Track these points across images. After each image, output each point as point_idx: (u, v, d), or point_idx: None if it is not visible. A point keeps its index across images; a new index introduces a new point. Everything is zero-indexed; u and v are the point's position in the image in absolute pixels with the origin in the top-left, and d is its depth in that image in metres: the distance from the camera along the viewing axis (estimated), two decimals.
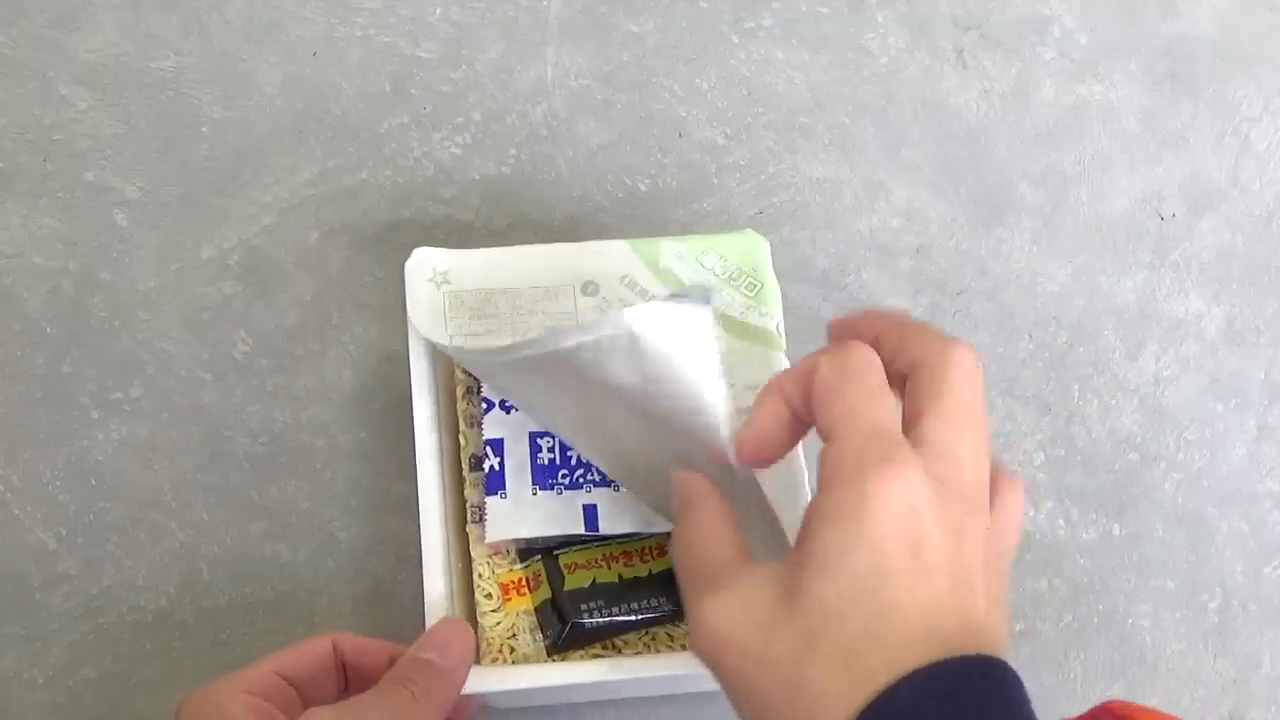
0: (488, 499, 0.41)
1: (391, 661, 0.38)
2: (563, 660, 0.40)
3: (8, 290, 0.51)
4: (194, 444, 0.49)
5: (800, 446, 0.37)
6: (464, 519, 0.42)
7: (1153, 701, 0.48)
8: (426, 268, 0.43)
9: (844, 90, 0.56)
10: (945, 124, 0.56)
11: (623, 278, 0.44)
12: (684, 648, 0.40)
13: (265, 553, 0.48)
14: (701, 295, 0.36)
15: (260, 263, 0.52)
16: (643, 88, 0.55)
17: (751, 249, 0.45)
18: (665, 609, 0.40)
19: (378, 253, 0.52)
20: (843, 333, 0.36)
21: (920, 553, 0.31)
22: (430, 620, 0.39)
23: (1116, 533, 0.50)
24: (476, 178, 0.53)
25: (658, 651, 0.41)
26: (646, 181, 0.54)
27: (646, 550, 0.42)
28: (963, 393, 0.34)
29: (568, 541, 0.41)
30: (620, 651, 0.40)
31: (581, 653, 0.40)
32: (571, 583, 0.41)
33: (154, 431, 0.49)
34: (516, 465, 0.41)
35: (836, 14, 0.57)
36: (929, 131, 0.55)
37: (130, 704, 0.46)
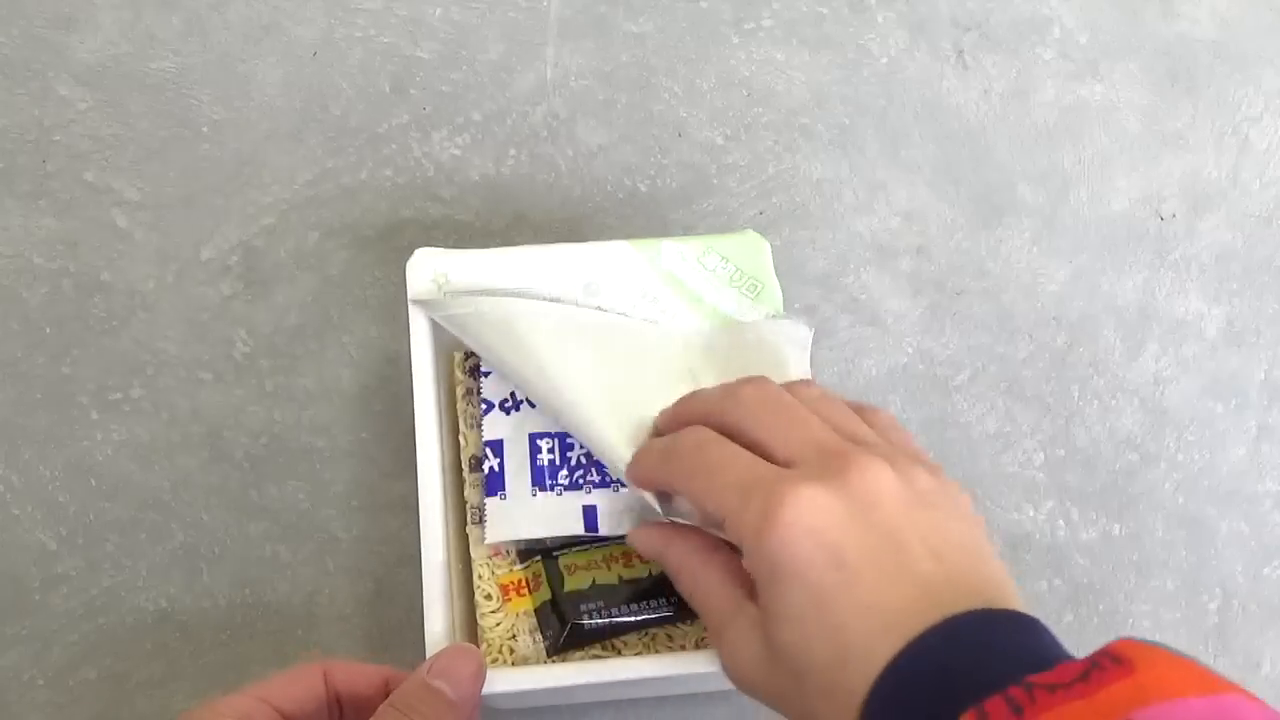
0: (487, 500, 0.41)
1: (387, 686, 0.36)
2: (562, 661, 0.40)
3: (8, 290, 0.51)
4: (194, 444, 0.49)
5: None
6: (464, 519, 0.42)
7: None
8: (428, 268, 0.43)
9: (844, 90, 0.56)
10: (945, 124, 0.56)
11: (623, 278, 0.44)
12: (684, 648, 0.40)
13: (265, 553, 0.48)
14: (805, 319, 0.43)
15: (260, 263, 0.52)
16: (643, 88, 0.55)
17: (752, 250, 0.45)
18: (665, 610, 0.40)
19: (378, 253, 0.52)
20: (667, 427, 0.39)
21: (843, 563, 0.32)
22: (428, 621, 0.39)
23: (1116, 533, 0.50)
24: (476, 178, 0.53)
25: (657, 652, 0.41)
26: (646, 182, 0.54)
27: None
28: (767, 402, 0.37)
29: (568, 543, 0.41)
30: (620, 652, 0.40)
31: (581, 653, 0.40)
32: (571, 584, 0.41)
33: (154, 431, 0.49)
34: (516, 466, 0.41)
35: (836, 14, 0.57)
36: (929, 131, 0.55)
37: (130, 704, 0.46)
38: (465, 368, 0.44)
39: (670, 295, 0.44)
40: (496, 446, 0.41)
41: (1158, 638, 0.49)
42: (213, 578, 0.47)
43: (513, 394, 0.42)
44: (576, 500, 0.41)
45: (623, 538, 0.41)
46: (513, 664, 0.40)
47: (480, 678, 0.37)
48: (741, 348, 0.42)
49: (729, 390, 0.38)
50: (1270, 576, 0.50)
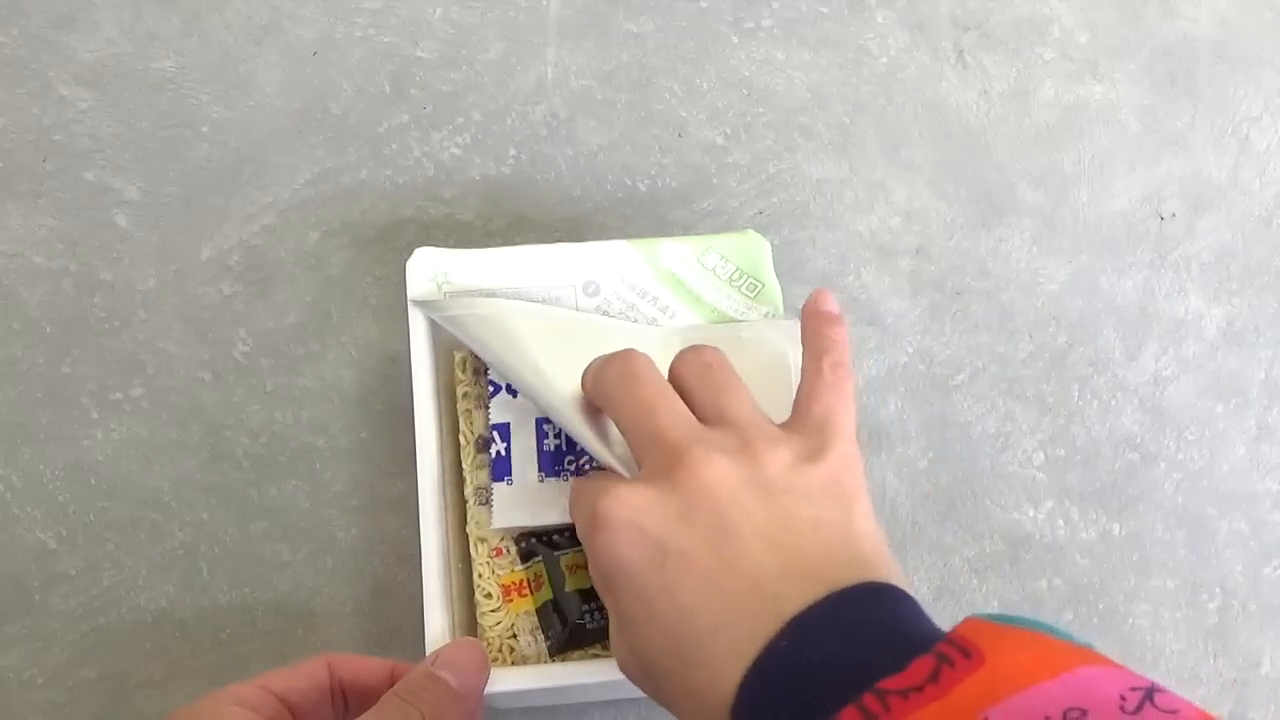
0: (494, 484, 0.41)
1: (393, 678, 0.36)
2: (563, 661, 0.40)
3: (8, 290, 0.51)
4: (194, 444, 0.49)
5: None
6: (464, 519, 0.42)
7: None
8: (427, 267, 0.43)
9: (844, 90, 0.56)
10: (945, 124, 0.56)
11: (623, 278, 0.44)
12: None
13: (265, 553, 0.48)
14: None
15: (260, 263, 0.52)
16: (643, 88, 0.55)
17: (752, 249, 0.45)
18: None
19: (378, 253, 0.52)
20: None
21: (664, 565, 0.32)
22: (428, 620, 0.39)
23: (1116, 533, 0.50)
24: (476, 178, 0.53)
25: None
26: (646, 181, 0.54)
27: None
28: (622, 387, 0.36)
29: (573, 542, 0.41)
30: None
31: (581, 653, 0.40)
32: (573, 584, 0.41)
33: (154, 431, 0.49)
34: (523, 451, 0.41)
35: (836, 14, 0.57)
36: (929, 131, 0.55)
37: (130, 704, 0.46)
38: (465, 367, 0.44)
39: (670, 295, 0.44)
40: (504, 430, 0.41)
41: (1157, 638, 0.49)
42: (213, 577, 0.47)
43: None
44: None
45: None
46: (513, 663, 0.40)
47: (484, 670, 0.37)
48: (739, 346, 0.42)
49: (597, 368, 0.37)
50: (1270, 576, 0.50)
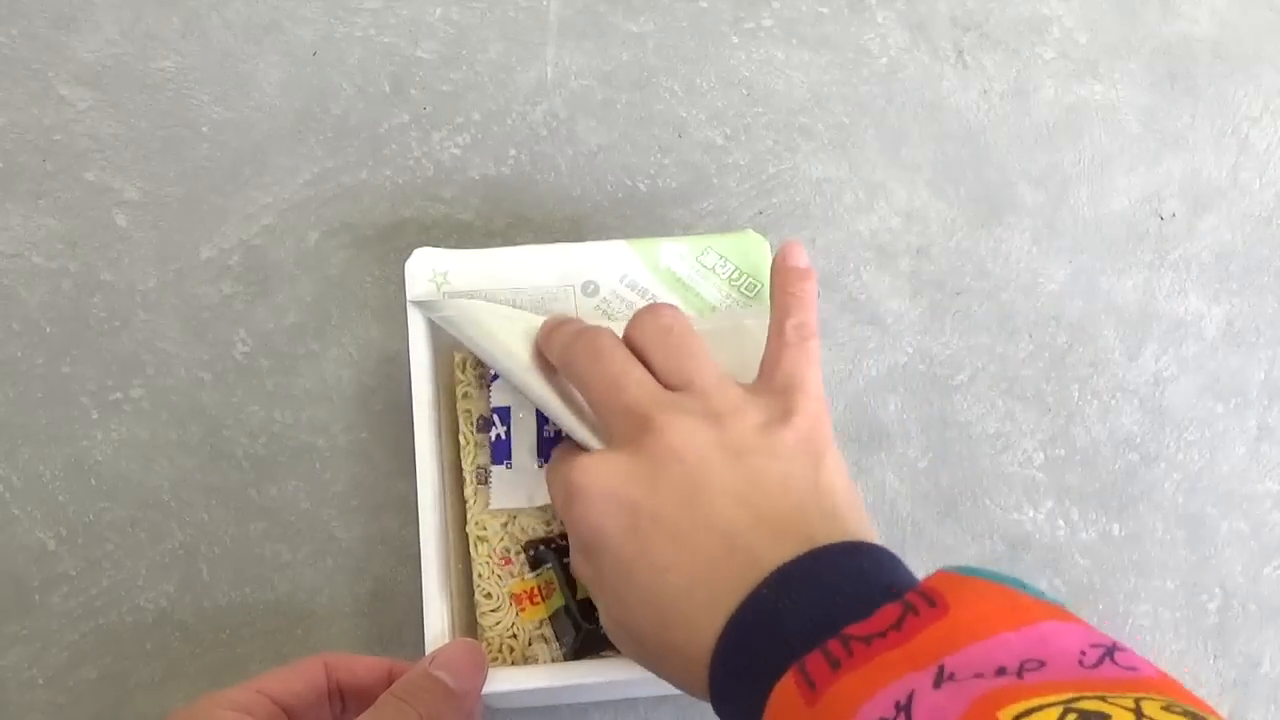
0: (493, 468, 0.41)
1: (391, 677, 0.36)
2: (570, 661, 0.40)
3: (8, 290, 0.51)
4: (194, 444, 0.49)
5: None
6: (464, 519, 0.42)
7: None
8: (427, 268, 0.43)
9: (844, 90, 0.56)
10: (945, 124, 0.56)
11: (623, 278, 0.44)
12: None
13: (265, 553, 0.48)
14: None
15: (260, 263, 0.52)
16: (643, 88, 0.55)
17: (751, 249, 0.45)
18: None
19: (378, 253, 0.52)
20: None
21: (637, 527, 0.32)
22: (428, 620, 0.39)
23: (1116, 533, 0.50)
24: (476, 178, 0.53)
25: None
26: (646, 181, 0.54)
27: None
28: (588, 357, 0.37)
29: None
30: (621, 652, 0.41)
31: (592, 656, 0.40)
32: (584, 589, 0.41)
33: (154, 431, 0.49)
34: (522, 436, 0.41)
35: (836, 14, 0.57)
36: (929, 131, 0.55)
37: (130, 704, 0.46)
38: (466, 367, 0.44)
39: (669, 295, 0.44)
40: (504, 413, 0.42)
41: (1157, 638, 0.49)
42: (212, 577, 0.48)
43: None
44: None
45: None
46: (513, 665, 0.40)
47: (482, 671, 0.37)
48: (735, 335, 0.42)
49: (564, 342, 0.38)
50: (1270, 576, 0.50)
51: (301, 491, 0.49)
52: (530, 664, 0.40)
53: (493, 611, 0.41)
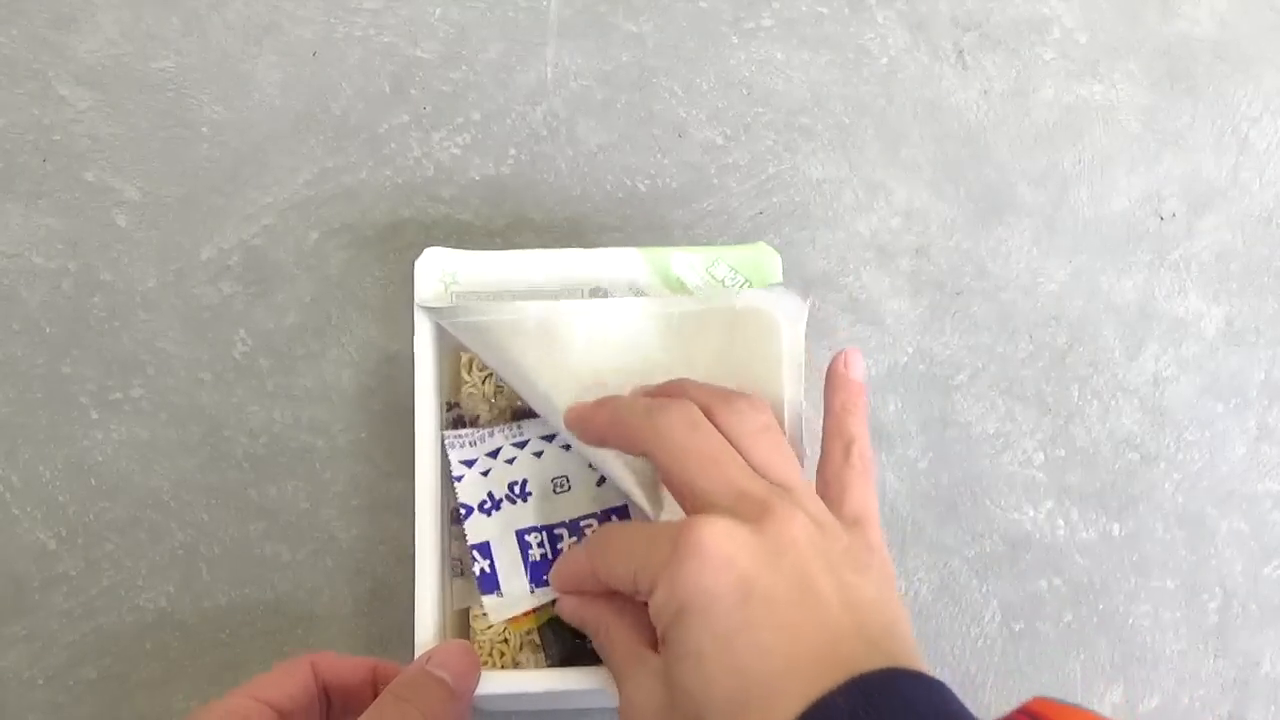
0: (484, 598, 0.40)
1: (375, 676, 0.36)
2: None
3: (8, 290, 0.51)
4: (194, 444, 0.49)
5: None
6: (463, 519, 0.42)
7: (1153, 702, 0.48)
8: (436, 268, 0.43)
9: (844, 90, 0.56)
10: (945, 124, 0.56)
11: (631, 285, 0.43)
12: None
13: (265, 553, 0.48)
14: (800, 290, 0.41)
15: (260, 263, 0.52)
16: (643, 88, 0.55)
17: (763, 262, 0.44)
18: None
19: (378, 253, 0.52)
20: (579, 425, 0.39)
21: (749, 598, 0.31)
22: (420, 622, 0.39)
23: (1116, 533, 0.50)
24: (476, 178, 0.53)
25: None
26: (646, 181, 0.54)
27: None
28: (686, 438, 0.35)
29: None
30: None
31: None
32: None
33: (154, 431, 0.49)
34: (508, 565, 0.41)
35: (836, 14, 0.57)
36: (929, 131, 0.55)
37: (130, 704, 0.46)
38: (472, 368, 0.44)
39: None
40: (484, 549, 0.41)
41: (1157, 638, 0.49)
42: (212, 577, 0.48)
43: (490, 494, 0.41)
44: None
45: None
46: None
47: (476, 672, 0.37)
48: (734, 316, 0.41)
49: (650, 417, 0.36)
50: (1270, 576, 0.50)
51: (301, 491, 0.49)
52: (520, 669, 0.40)
53: (484, 615, 0.41)
